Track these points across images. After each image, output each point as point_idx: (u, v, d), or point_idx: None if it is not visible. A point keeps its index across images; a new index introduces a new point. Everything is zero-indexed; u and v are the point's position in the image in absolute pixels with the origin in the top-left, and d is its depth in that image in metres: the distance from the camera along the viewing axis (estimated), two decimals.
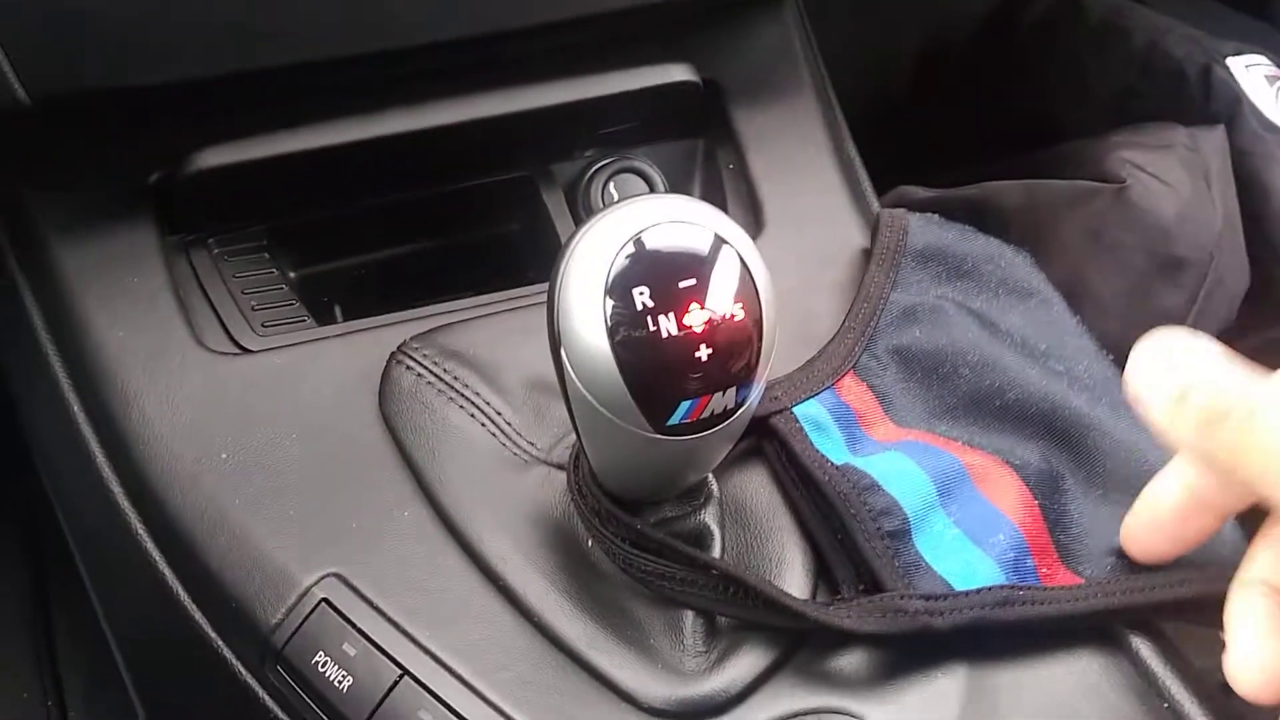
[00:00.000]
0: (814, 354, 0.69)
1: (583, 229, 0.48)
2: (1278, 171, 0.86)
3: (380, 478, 0.63)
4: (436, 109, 0.73)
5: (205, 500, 0.63)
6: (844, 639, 0.57)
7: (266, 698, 0.60)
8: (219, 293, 0.73)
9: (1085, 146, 0.88)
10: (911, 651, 0.57)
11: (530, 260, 0.80)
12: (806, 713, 0.56)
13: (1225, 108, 0.88)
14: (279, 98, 0.71)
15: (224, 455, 0.64)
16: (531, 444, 0.64)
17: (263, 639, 0.59)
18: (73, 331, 0.69)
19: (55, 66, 0.64)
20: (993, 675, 0.58)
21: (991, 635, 0.57)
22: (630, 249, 0.47)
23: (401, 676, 0.56)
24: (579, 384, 0.48)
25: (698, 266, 0.47)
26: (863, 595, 0.58)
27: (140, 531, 0.65)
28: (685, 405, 0.48)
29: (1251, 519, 0.55)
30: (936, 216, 0.76)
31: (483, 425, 0.64)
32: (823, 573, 0.60)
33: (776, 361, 0.51)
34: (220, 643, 0.62)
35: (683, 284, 0.46)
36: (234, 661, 0.61)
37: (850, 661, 0.57)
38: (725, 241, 0.48)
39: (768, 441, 0.64)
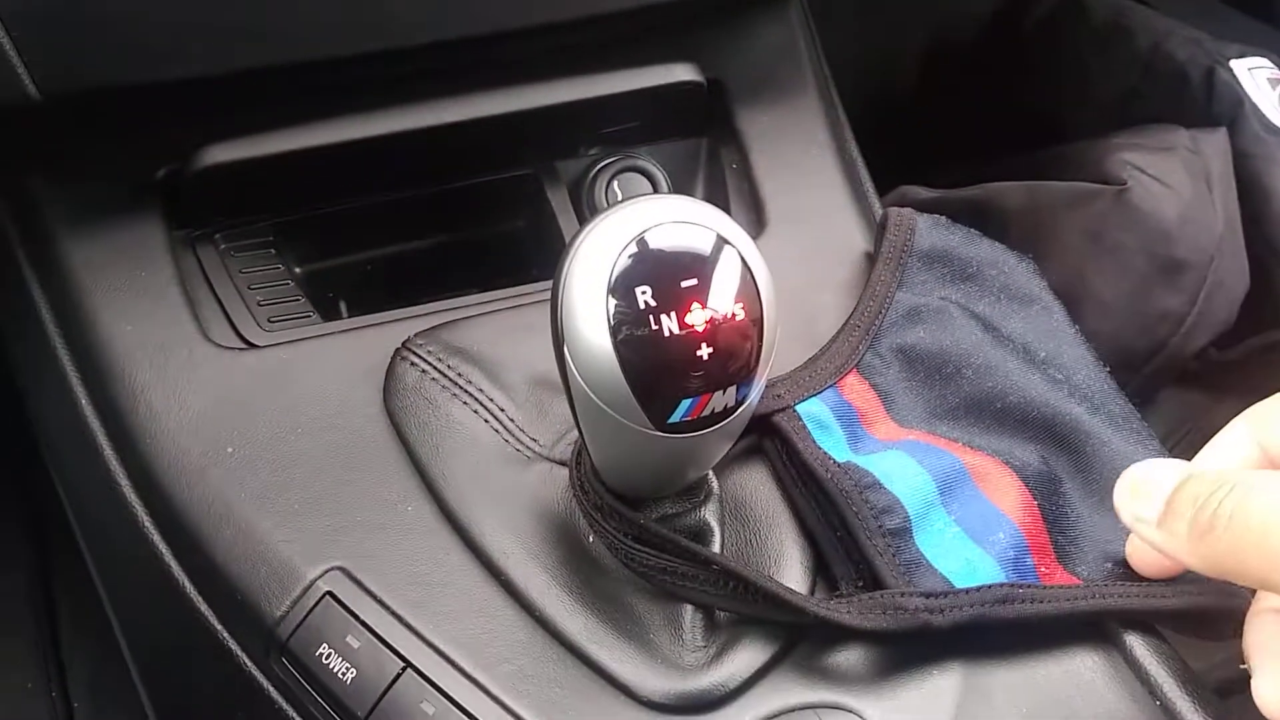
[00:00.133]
0: (814, 352, 0.69)
1: (586, 228, 0.49)
2: (1278, 174, 0.86)
3: (384, 473, 0.64)
4: (442, 107, 0.74)
5: (211, 493, 0.63)
6: (842, 635, 0.58)
7: (271, 689, 0.61)
8: (225, 288, 0.73)
9: (1087, 148, 0.88)
10: (909, 648, 0.58)
11: (534, 258, 0.81)
12: (804, 707, 0.56)
13: (1227, 110, 0.89)
14: (286, 95, 0.72)
15: (230, 449, 0.65)
16: (534, 440, 0.64)
17: (268, 631, 0.60)
18: (80, 325, 0.70)
19: (66, 63, 0.64)
20: (989, 673, 0.58)
21: (989, 633, 0.58)
22: (633, 249, 0.47)
23: (404, 669, 0.57)
24: (581, 381, 0.49)
25: (700, 266, 0.47)
26: (862, 592, 0.58)
27: (147, 524, 0.65)
28: (686, 403, 0.49)
29: None
30: (943, 219, 0.76)
31: (486, 421, 0.65)
32: (821, 570, 0.61)
33: (777, 359, 0.51)
34: (225, 634, 0.62)
35: (685, 284, 0.47)
36: (239, 653, 0.62)
37: (848, 657, 0.58)
38: (727, 242, 0.48)
39: (768, 439, 0.64)
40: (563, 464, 0.63)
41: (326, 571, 0.60)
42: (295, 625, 0.59)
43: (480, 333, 0.69)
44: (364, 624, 0.58)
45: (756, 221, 0.78)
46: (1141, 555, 0.59)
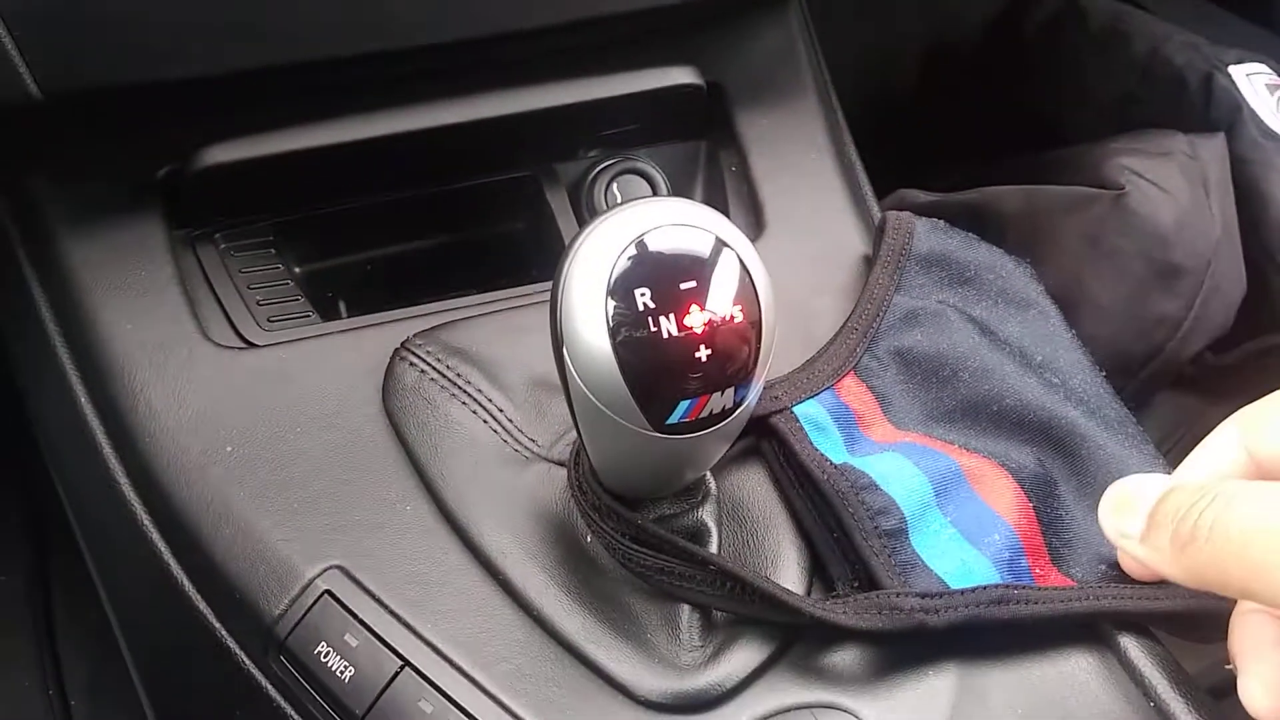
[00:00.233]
0: (811, 354, 0.69)
1: (586, 230, 0.49)
2: (1276, 180, 0.86)
3: (383, 472, 0.64)
4: (442, 108, 0.74)
5: (210, 492, 0.64)
6: (838, 635, 0.58)
7: (270, 687, 0.61)
8: (225, 287, 0.74)
9: (1084, 152, 0.88)
10: (905, 648, 0.58)
11: (533, 259, 0.81)
12: (800, 707, 0.56)
13: (1225, 115, 0.89)
14: (287, 95, 0.72)
15: (229, 448, 0.65)
16: (532, 440, 0.64)
17: (266, 629, 0.60)
18: (80, 324, 0.70)
19: (67, 62, 0.64)
20: (984, 673, 0.58)
21: (984, 634, 0.58)
22: (632, 251, 0.47)
23: (402, 667, 0.57)
24: (580, 383, 0.49)
25: (699, 269, 0.48)
26: (858, 593, 0.59)
27: (146, 523, 0.66)
28: (684, 405, 0.49)
29: None
30: (942, 223, 0.76)
31: (484, 422, 0.65)
32: (817, 570, 0.61)
33: (774, 361, 0.51)
34: (224, 633, 0.62)
35: (684, 286, 0.47)
36: (238, 651, 0.62)
37: (844, 658, 0.58)
38: (726, 245, 0.48)
39: (766, 441, 0.65)
40: (561, 464, 0.63)
41: (325, 570, 0.60)
42: (294, 624, 0.59)
43: (479, 333, 0.69)
44: (362, 622, 0.58)
45: (755, 224, 0.78)
46: (1132, 564, 0.60)
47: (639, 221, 0.48)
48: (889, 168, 0.86)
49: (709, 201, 0.79)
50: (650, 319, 0.47)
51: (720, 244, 0.48)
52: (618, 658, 0.57)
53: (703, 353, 0.47)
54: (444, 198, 0.79)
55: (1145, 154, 0.84)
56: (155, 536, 0.65)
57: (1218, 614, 0.57)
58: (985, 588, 0.58)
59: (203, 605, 0.63)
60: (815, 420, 0.65)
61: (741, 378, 0.49)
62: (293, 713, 0.60)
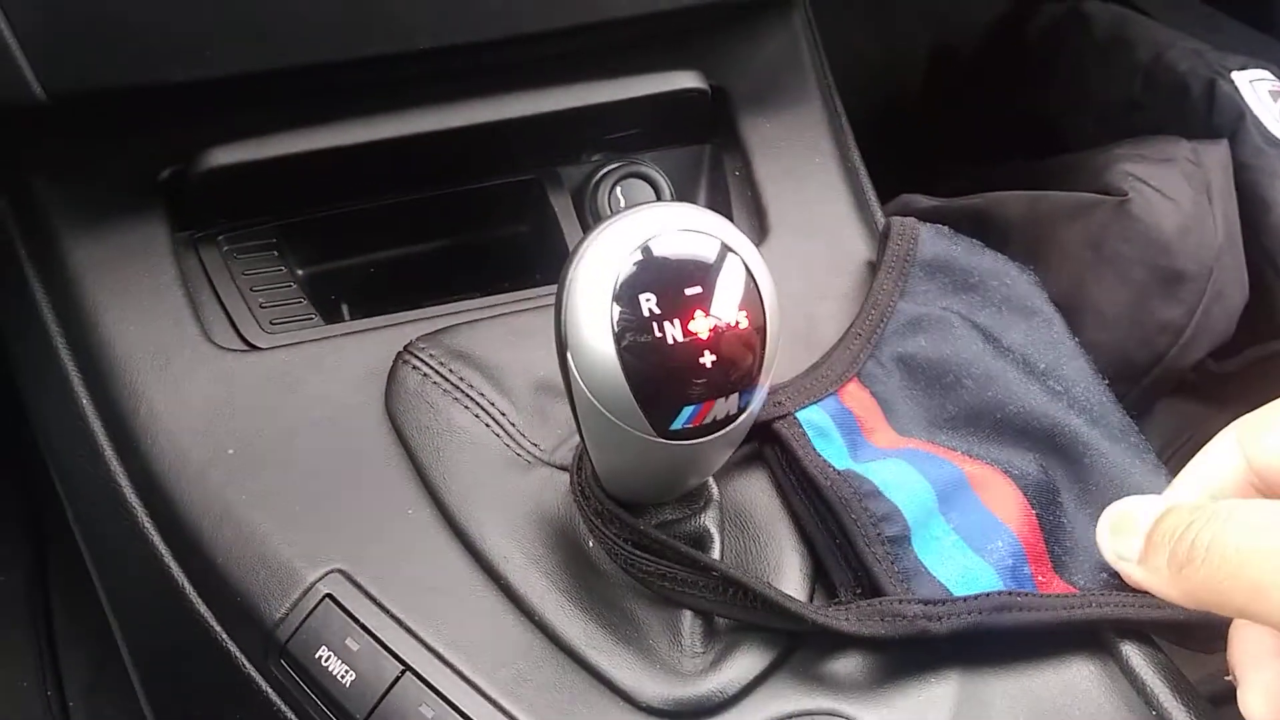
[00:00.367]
0: (815, 359, 0.69)
1: (591, 235, 0.49)
2: (1278, 186, 0.86)
3: (385, 476, 0.64)
4: (446, 112, 0.74)
5: (212, 495, 0.63)
6: (840, 642, 0.58)
7: (270, 691, 0.61)
8: (228, 289, 0.73)
9: (1088, 158, 0.88)
10: (907, 655, 0.58)
11: (537, 262, 0.81)
12: (803, 714, 0.56)
13: (1228, 122, 0.89)
14: (291, 98, 0.72)
15: (231, 450, 0.65)
16: (535, 445, 0.64)
17: (267, 633, 0.60)
18: (82, 325, 0.70)
19: (71, 64, 0.64)
20: (986, 681, 0.58)
21: (986, 641, 0.58)
22: (638, 256, 0.47)
23: (403, 672, 0.57)
24: (584, 388, 0.49)
25: (704, 274, 0.47)
26: (861, 599, 0.59)
27: (147, 525, 0.65)
28: (688, 410, 0.49)
29: None
30: (947, 229, 0.76)
31: (487, 426, 0.65)
32: (819, 577, 0.61)
33: (778, 366, 0.51)
34: (225, 636, 0.62)
35: (689, 291, 0.47)
36: (238, 655, 0.62)
37: (846, 665, 0.58)
38: (731, 250, 0.48)
39: (768, 446, 0.65)
40: (563, 469, 0.63)
41: (326, 574, 0.60)
42: (295, 627, 0.59)
43: (482, 337, 0.69)
44: (363, 627, 0.58)
45: (759, 229, 0.78)
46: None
47: (644, 227, 0.48)
48: (891, 171, 0.86)
49: (712, 206, 0.79)
50: (655, 324, 0.47)
51: (726, 249, 0.48)
52: (619, 664, 0.57)
53: (707, 358, 0.47)
54: (447, 200, 0.79)
55: (1148, 160, 0.84)
56: (156, 539, 0.65)
57: (1219, 623, 0.57)
58: (988, 595, 0.58)
59: (203, 608, 0.63)
60: (818, 426, 0.65)
61: (746, 384, 0.49)
62: (293, 717, 0.60)
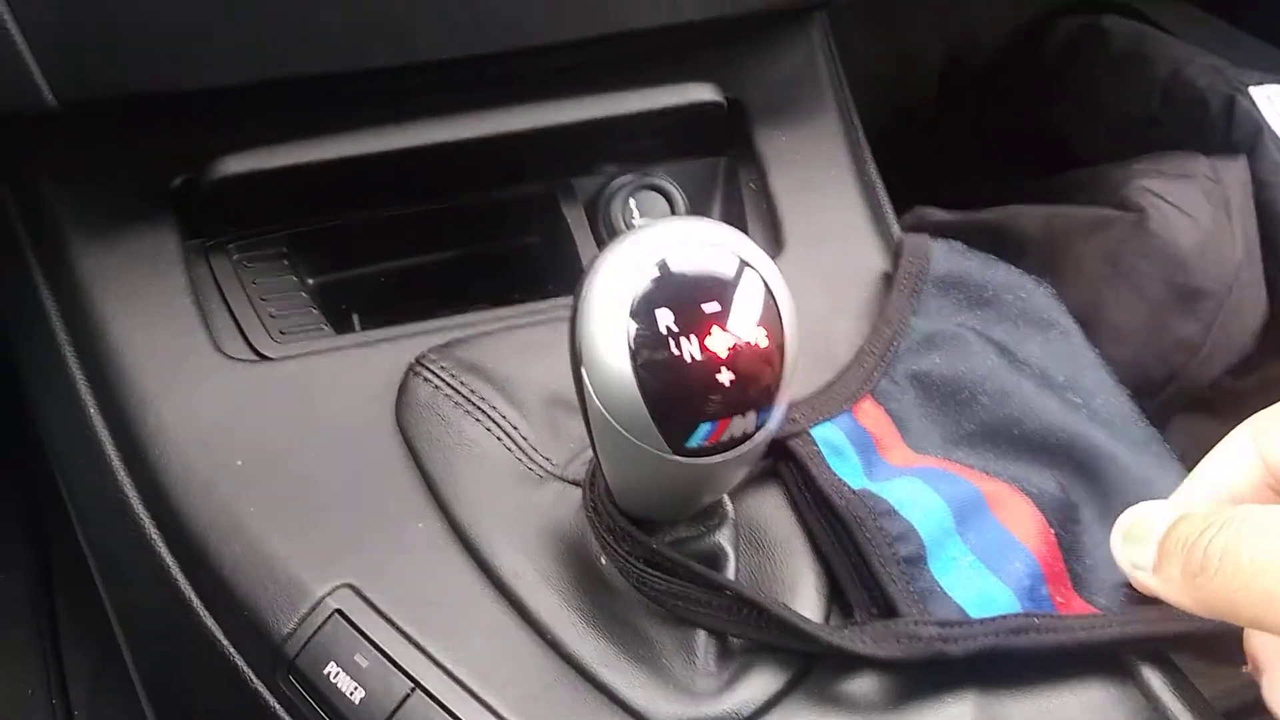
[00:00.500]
0: (831, 376, 0.69)
1: (607, 250, 0.48)
2: None
3: (396, 489, 0.63)
4: (459, 123, 0.74)
5: (220, 507, 0.63)
6: (856, 663, 0.57)
7: (277, 707, 0.60)
8: (238, 298, 0.73)
9: (1105, 174, 0.88)
10: (923, 677, 0.57)
11: (549, 274, 0.80)
12: None
13: (1247, 138, 0.89)
14: (303, 107, 0.71)
15: (239, 462, 0.64)
16: (547, 459, 0.64)
17: (275, 648, 0.59)
18: (90, 332, 0.69)
19: (83, 71, 0.64)
20: (1003, 702, 0.58)
21: (1003, 663, 0.57)
22: (655, 271, 0.47)
23: (413, 689, 0.56)
24: (599, 404, 0.48)
25: (722, 290, 0.47)
26: (876, 620, 0.58)
27: (154, 536, 0.65)
28: (705, 428, 0.48)
29: None
30: (960, 244, 0.76)
31: (499, 440, 0.64)
32: (836, 596, 0.60)
33: (793, 383, 0.51)
34: (232, 650, 0.62)
35: (706, 307, 0.46)
36: (245, 669, 0.61)
37: (862, 686, 0.57)
38: (750, 266, 0.48)
39: (784, 464, 0.64)
40: (576, 484, 0.62)
41: (335, 589, 0.59)
42: (303, 643, 0.58)
43: (494, 349, 0.68)
44: (373, 643, 0.57)
45: (774, 242, 0.78)
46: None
47: (662, 242, 0.47)
48: (905, 184, 0.85)
49: (727, 219, 0.79)
50: (672, 341, 0.46)
51: (744, 265, 0.48)
52: (632, 683, 0.56)
53: (725, 376, 0.47)
54: (460, 211, 0.79)
55: (1166, 176, 0.84)
56: (163, 551, 0.64)
57: (1240, 635, 0.56)
58: (1005, 617, 0.57)
59: (210, 622, 0.62)
60: (833, 444, 0.64)
61: (763, 402, 0.49)
62: None
